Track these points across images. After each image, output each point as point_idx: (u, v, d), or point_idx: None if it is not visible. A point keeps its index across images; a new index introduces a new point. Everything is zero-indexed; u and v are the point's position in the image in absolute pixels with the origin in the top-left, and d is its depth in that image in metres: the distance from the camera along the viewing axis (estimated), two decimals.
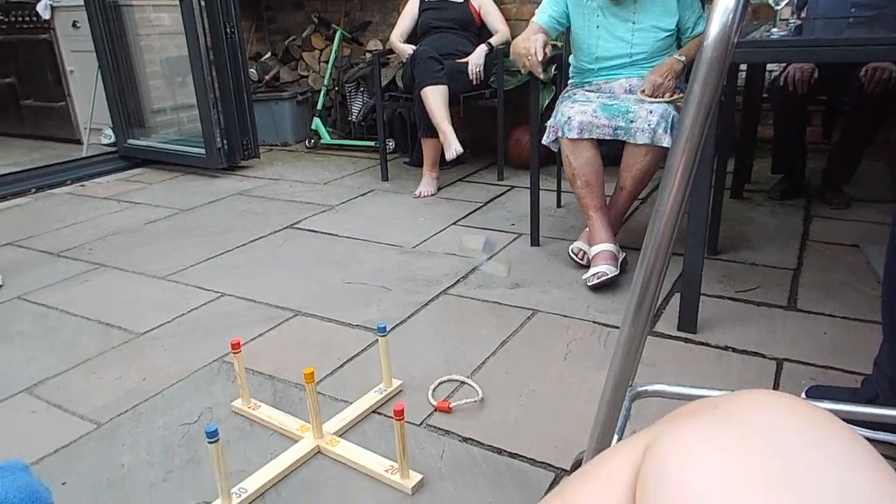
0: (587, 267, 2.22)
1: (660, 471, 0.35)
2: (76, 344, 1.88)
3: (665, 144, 2.02)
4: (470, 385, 1.58)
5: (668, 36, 2.23)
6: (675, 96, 2.10)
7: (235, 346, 1.42)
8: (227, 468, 1.20)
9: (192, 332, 1.92)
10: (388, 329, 1.57)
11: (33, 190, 3.57)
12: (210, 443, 1.12)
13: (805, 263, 2.19)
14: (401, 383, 1.59)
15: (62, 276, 2.38)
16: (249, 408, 1.50)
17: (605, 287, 2.05)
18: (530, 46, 2.09)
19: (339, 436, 1.40)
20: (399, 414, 1.18)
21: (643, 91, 2.13)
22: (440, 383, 1.59)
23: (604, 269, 2.05)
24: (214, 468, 1.15)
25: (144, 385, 1.65)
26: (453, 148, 2.97)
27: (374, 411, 1.51)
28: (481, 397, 1.52)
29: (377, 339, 1.48)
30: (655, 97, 2.10)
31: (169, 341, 1.88)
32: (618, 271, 2.07)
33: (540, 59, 2.09)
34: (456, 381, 1.60)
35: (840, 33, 2.03)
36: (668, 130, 2.02)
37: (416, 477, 1.26)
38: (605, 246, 2.11)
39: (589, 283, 2.05)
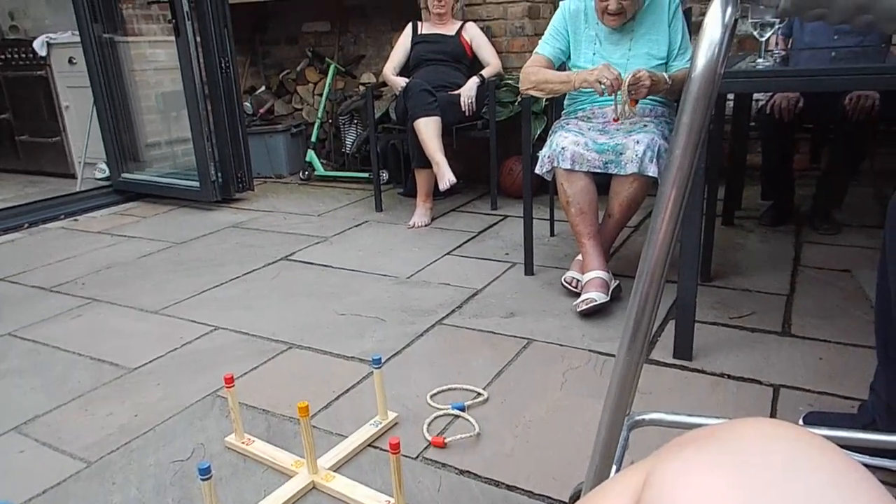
0: (580, 295, 2.23)
1: (659, 500, 0.35)
2: (67, 380, 1.86)
3: (650, 174, 2.05)
4: (465, 419, 1.56)
5: (660, 63, 2.27)
6: (635, 107, 2.13)
7: (229, 381, 1.41)
8: None
9: (186, 367, 1.90)
10: (383, 360, 1.56)
11: (26, 225, 3.56)
12: (203, 480, 1.10)
13: (798, 289, 2.20)
14: (396, 416, 1.57)
15: (54, 311, 2.36)
16: (243, 443, 1.48)
17: (595, 314, 2.05)
18: (608, 74, 2.06)
19: (335, 470, 1.38)
20: (395, 448, 1.17)
21: (629, 76, 2.09)
22: (435, 418, 1.58)
23: (593, 295, 2.06)
24: None
25: (136, 421, 1.63)
26: (447, 178, 3.00)
27: (369, 445, 1.49)
28: (477, 432, 1.51)
29: (372, 371, 1.47)
30: (627, 91, 2.08)
31: (162, 376, 1.86)
32: (607, 298, 2.07)
33: (614, 78, 2.06)
34: (451, 414, 1.59)
35: (825, 63, 2.07)
36: (654, 160, 2.05)
37: None
38: (597, 273, 2.12)
39: (578, 310, 2.06)
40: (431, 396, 1.66)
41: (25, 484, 1.41)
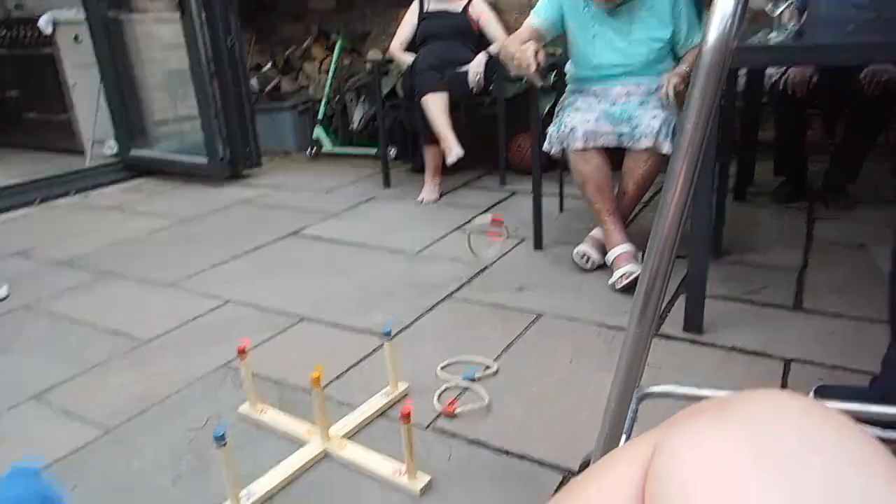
0: (591, 270, 2.23)
1: (668, 470, 0.35)
2: (83, 351, 1.88)
3: (665, 151, 2.03)
4: (475, 391, 1.58)
5: (662, 47, 2.23)
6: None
7: (241, 352, 1.42)
8: (236, 472, 1.20)
9: (198, 339, 1.92)
10: (393, 333, 1.57)
11: (38, 201, 3.58)
12: (218, 446, 1.12)
13: (810, 264, 2.19)
14: (407, 386, 1.59)
15: (68, 285, 2.39)
16: (257, 412, 1.50)
17: (632, 288, 2.02)
18: (523, 58, 2.06)
19: (347, 439, 1.40)
20: (406, 417, 1.18)
21: (664, 92, 2.10)
22: (445, 389, 1.59)
23: (629, 268, 2.05)
24: (223, 472, 1.15)
25: (151, 391, 1.65)
26: (454, 151, 2.98)
27: (380, 414, 1.51)
28: (487, 402, 1.52)
29: (382, 344, 1.49)
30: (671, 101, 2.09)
31: (175, 348, 1.88)
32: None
33: (533, 69, 2.06)
34: (461, 387, 1.60)
35: (839, 38, 2.04)
36: (669, 137, 2.03)
37: (423, 479, 1.26)
38: (624, 247, 2.12)
39: (618, 286, 2.05)
40: (441, 369, 1.67)
41: (47, 449, 1.44)
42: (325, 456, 1.37)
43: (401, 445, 1.24)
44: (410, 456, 1.23)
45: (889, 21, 2.34)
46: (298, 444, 1.40)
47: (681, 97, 2.10)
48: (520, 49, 2.10)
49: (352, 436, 1.43)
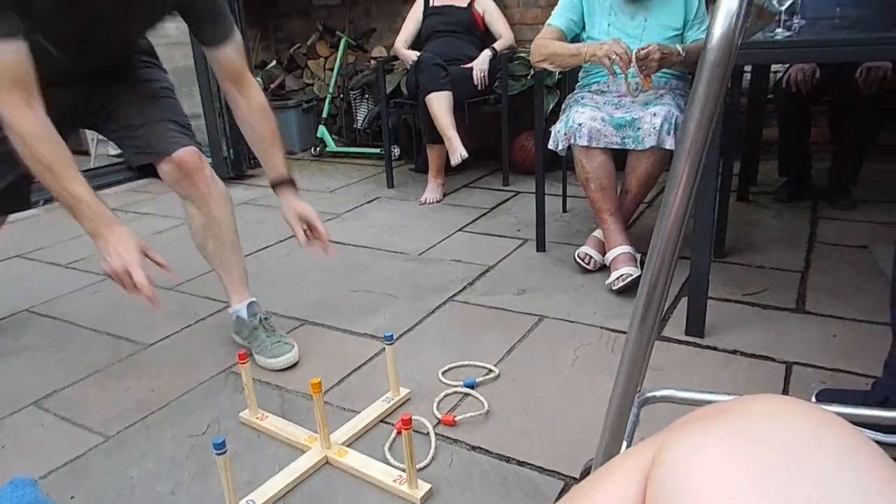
0: (593, 272, 2.22)
1: (669, 476, 0.35)
2: (85, 356, 1.89)
3: (668, 146, 2.02)
4: (475, 397, 1.57)
5: (675, 35, 2.24)
6: (649, 83, 2.11)
7: (242, 357, 1.42)
8: (236, 480, 1.20)
9: (200, 343, 1.93)
10: (395, 337, 1.57)
11: (41, 202, 3.58)
12: (217, 454, 1.12)
13: (812, 265, 2.18)
14: (408, 392, 1.58)
15: (71, 287, 2.39)
16: (257, 419, 1.50)
17: (630, 289, 2.02)
18: (618, 49, 2.00)
19: (347, 446, 1.40)
20: (406, 423, 1.18)
21: (638, 50, 2.06)
22: (445, 395, 1.59)
23: (626, 270, 2.04)
24: (222, 480, 1.16)
25: (153, 396, 1.66)
26: (458, 153, 2.98)
27: (381, 420, 1.50)
28: (486, 410, 1.51)
29: (384, 348, 1.48)
30: (638, 66, 2.05)
31: (177, 352, 1.88)
32: (640, 271, 2.05)
33: (623, 52, 2.01)
34: (461, 392, 1.60)
35: (845, 34, 2.01)
36: (671, 132, 2.02)
37: (424, 487, 1.26)
38: (623, 248, 2.11)
39: (614, 287, 2.04)
40: (443, 373, 1.67)
41: (46, 457, 1.44)
42: (325, 463, 1.37)
43: (402, 452, 1.25)
44: (411, 464, 1.23)
45: (878, 18, 2.32)
46: (299, 451, 1.40)
47: (651, 69, 2.07)
48: (608, 46, 2.03)
49: (353, 442, 1.43)
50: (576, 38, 2.35)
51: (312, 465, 1.34)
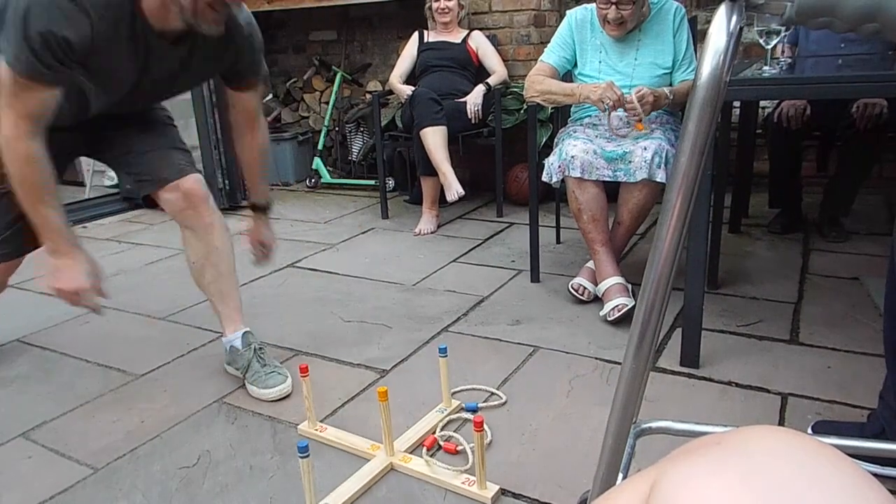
0: (588, 303, 2.22)
1: None
2: (74, 386, 1.86)
3: (659, 179, 2.05)
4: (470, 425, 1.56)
5: (665, 73, 2.28)
6: (641, 129, 2.14)
7: (304, 370, 1.45)
8: (314, 485, 1.23)
9: (192, 373, 1.91)
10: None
11: None
12: (301, 458, 1.16)
13: (806, 297, 2.19)
14: (459, 403, 1.63)
15: (62, 317, 2.37)
16: (317, 430, 1.55)
17: (624, 320, 2.02)
18: (611, 94, 2.07)
19: (409, 454, 1.45)
20: (478, 426, 1.22)
21: (633, 93, 2.10)
22: (449, 421, 1.58)
23: (621, 301, 2.05)
24: (304, 484, 1.19)
25: (143, 427, 1.64)
26: (454, 189, 3.00)
27: (435, 431, 1.54)
28: (490, 440, 1.50)
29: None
30: (630, 110, 2.10)
31: (169, 383, 1.86)
32: (633, 301, 2.06)
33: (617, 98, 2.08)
34: (458, 420, 1.59)
35: (831, 71, 2.07)
36: (662, 165, 2.05)
37: (493, 488, 1.30)
38: (615, 279, 2.12)
39: (609, 318, 2.04)
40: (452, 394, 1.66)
41: (33, 490, 1.41)
42: (391, 469, 1.41)
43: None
44: (481, 465, 1.27)
45: (876, 56, 2.39)
46: (360, 459, 1.44)
47: (646, 109, 2.11)
48: (601, 88, 2.10)
49: (412, 451, 1.47)
50: (567, 74, 2.40)
51: (379, 471, 1.38)
